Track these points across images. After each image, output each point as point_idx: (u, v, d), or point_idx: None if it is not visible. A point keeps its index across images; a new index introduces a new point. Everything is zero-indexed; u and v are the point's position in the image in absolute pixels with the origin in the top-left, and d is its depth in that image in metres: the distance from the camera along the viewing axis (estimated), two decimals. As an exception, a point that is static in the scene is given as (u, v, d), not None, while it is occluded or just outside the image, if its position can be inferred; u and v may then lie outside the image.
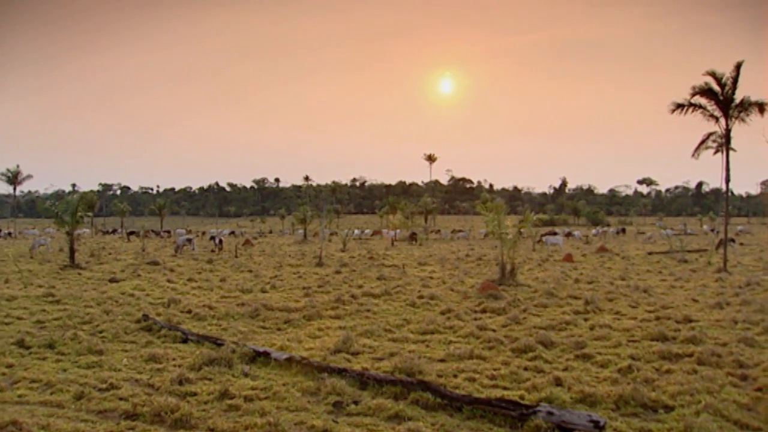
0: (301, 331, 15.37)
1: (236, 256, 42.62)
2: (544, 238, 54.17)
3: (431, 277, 28.40)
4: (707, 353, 12.26)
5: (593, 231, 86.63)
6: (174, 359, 12.20)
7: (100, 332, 14.94)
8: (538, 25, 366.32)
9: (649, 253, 45.12)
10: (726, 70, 32.06)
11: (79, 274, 29.37)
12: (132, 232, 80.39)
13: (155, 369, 11.44)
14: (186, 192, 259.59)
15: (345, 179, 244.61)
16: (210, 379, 10.56)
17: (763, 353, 12.77)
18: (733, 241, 44.15)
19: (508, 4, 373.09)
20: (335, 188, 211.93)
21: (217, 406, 9.19)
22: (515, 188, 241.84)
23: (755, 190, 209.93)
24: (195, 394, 9.75)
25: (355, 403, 9.25)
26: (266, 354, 11.96)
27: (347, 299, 20.47)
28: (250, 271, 31.28)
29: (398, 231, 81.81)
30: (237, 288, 23.92)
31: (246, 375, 10.89)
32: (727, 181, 34.88)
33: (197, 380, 10.47)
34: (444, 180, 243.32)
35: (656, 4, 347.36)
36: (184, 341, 13.90)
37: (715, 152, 35.15)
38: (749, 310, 18.13)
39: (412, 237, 69.96)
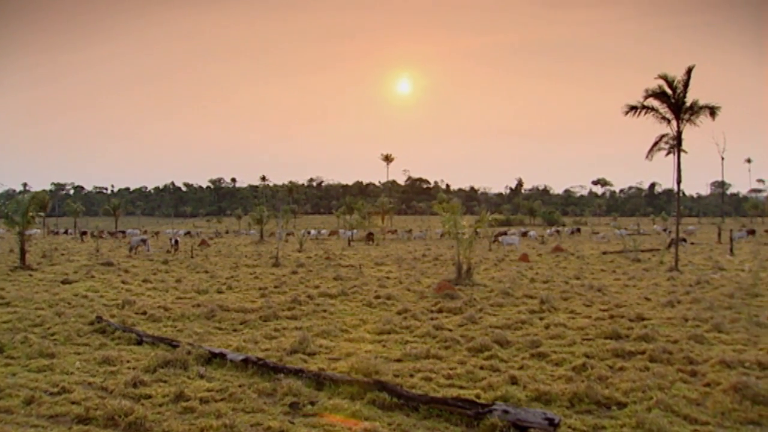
0: (257, 332, 15.28)
1: (192, 257, 42.27)
2: (500, 239, 54.62)
3: (388, 277, 28.45)
4: (659, 350, 12.49)
5: (548, 231, 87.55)
6: (128, 361, 12.04)
7: (52, 335, 14.67)
8: (495, 27, 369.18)
9: (604, 253, 45.73)
10: (678, 74, 32.68)
11: (30, 275, 28.82)
12: (85, 233, 79.18)
13: (109, 372, 11.28)
14: (141, 192, 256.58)
15: (302, 179, 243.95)
16: (165, 381, 10.45)
17: (712, 350, 13.05)
18: (684, 240, 44.98)
19: (466, 6, 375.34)
20: (292, 188, 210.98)
21: (172, 408, 9.09)
22: (472, 188, 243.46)
23: (705, 191, 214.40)
24: (150, 396, 9.64)
25: (312, 403, 9.23)
26: (222, 355, 11.87)
27: (304, 300, 20.40)
28: (206, 272, 31.04)
29: (355, 231, 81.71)
30: (193, 289, 23.70)
31: (202, 377, 10.80)
32: (679, 182, 35.54)
33: (152, 382, 10.35)
34: (401, 180, 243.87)
35: (613, 7, 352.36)
36: (139, 343, 13.72)
37: (667, 154, 35.74)
38: (699, 307, 18.49)
39: (369, 237, 69.85)
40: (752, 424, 8.54)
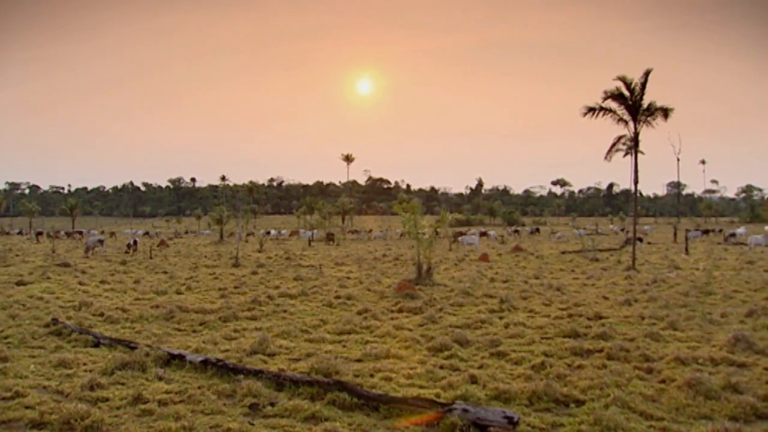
0: (216, 333, 15.18)
1: (151, 257, 41.82)
2: (460, 238, 54.83)
3: (348, 278, 28.44)
4: (616, 348, 12.69)
5: (507, 230, 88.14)
6: (85, 364, 11.87)
7: (6, 338, 14.38)
8: (456, 27, 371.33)
9: (563, 252, 46.20)
10: (637, 76, 33.16)
11: (-16, 277, 28.27)
12: (41, 233, 77.84)
13: (65, 375, 11.11)
14: (99, 191, 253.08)
15: (262, 179, 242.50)
16: (123, 384, 10.33)
17: (668, 347, 13.27)
18: (640, 240, 45.63)
19: (426, 6, 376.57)
20: (252, 188, 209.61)
21: (130, 411, 9.00)
22: (432, 188, 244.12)
23: (662, 192, 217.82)
24: (107, 399, 9.51)
25: (272, 404, 9.20)
26: (181, 357, 11.77)
27: (264, 300, 20.30)
28: (165, 273, 30.74)
29: (315, 231, 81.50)
30: (151, 290, 23.44)
31: (160, 378, 10.70)
32: (636, 182, 36.10)
33: (109, 385, 10.22)
34: (362, 180, 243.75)
35: (575, 7, 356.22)
36: (96, 345, 13.55)
37: (625, 155, 36.35)
38: (655, 306, 18.80)
39: (329, 237, 69.57)
40: (705, 418, 8.72)
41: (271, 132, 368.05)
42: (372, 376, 11.05)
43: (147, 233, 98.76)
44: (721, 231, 73.59)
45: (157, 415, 8.78)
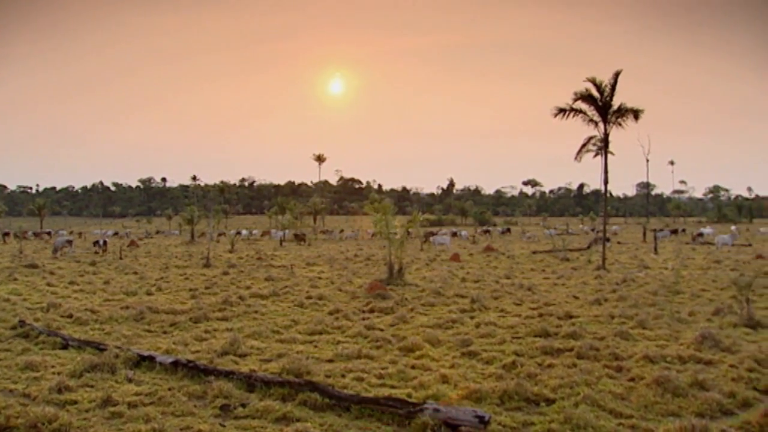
0: (187, 334, 15.10)
1: (121, 258, 41.44)
2: (431, 238, 54.99)
3: (320, 278, 28.41)
4: (586, 347, 12.82)
5: (478, 230, 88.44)
6: (53, 366, 11.74)
7: (-28, 340, 14.22)
8: (428, 28, 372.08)
9: (534, 252, 46.49)
10: (607, 77, 33.44)
11: (-51, 278, 27.84)
12: (7, 233, 76.75)
13: (32, 378, 10.97)
14: (68, 191, 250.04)
15: (233, 179, 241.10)
16: (92, 386, 10.23)
17: (637, 345, 13.44)
18: (608, 240, 46.08)
19: (398, 6, 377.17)
20: (223, 188, 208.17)
21: (99, 413, 8.92)
22: (404, 188, 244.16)
23: (632, 192, 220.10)
24: (75, 402, 9.42)
25: (243, 405, 9.18)
26: (151, 358, 11.70)
27: (235, 301, 20.22)
28: (135, 273, 30.47)
29: (287, 231, 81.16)
30: (121, 291, 23.24)
31: (130, 380, 10.62)
32: (606, 182, 36.46)
33: (78, 388, 10.12)
34: (333, 180, 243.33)
35: (547, 8, 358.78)
36: (64, 347, 13.40)
37: (596, 155, 36.66)
38: (625, 305, 19.02)
39: (299, 237, 68.72)
40: (672, 415, 8.85)
41: (243, 132, 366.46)
42: (343, 376, 11.07)
43: (116, 233, 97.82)
44: (684, 231, 74.46)
45: (126, 417, 8.71)
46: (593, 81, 33.39)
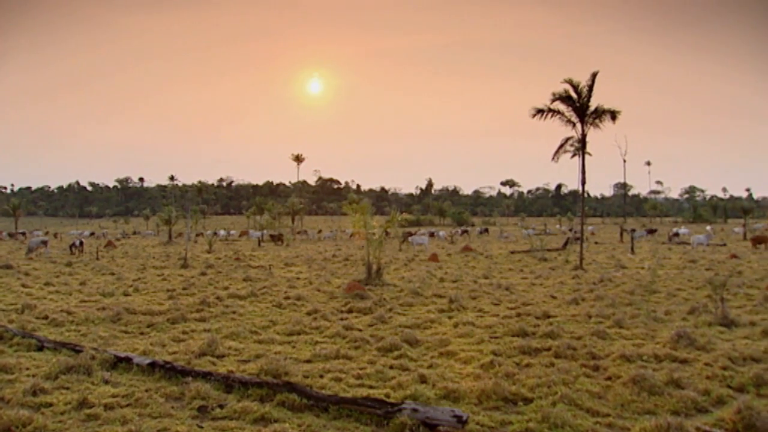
0: (164, 335, 15.00)
1: (97, 259, 41.12)
2: (409, 239, 55.04)
3: (298, 278, 28.35)
4: (564, 347, 12.90)
5: (456, 230, 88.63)
6: (27, 369, 11.60)
7: (-55, 342, 14.04)
8: (407, 29, 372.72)
9: (512, 252, 46.65)
10: (585, 78, 33.64)
11: None
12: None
13: (6, 380, 10.80)
14: (44, 191, 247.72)
15: (211, 179, 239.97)
16: (67, 389, 10.12)
17: (614, 344, 13.54)
18: (582, 239, 46.35)
19: (378, 7, 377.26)
20: (201, 188, 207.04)
21: (74, 416, 8.83)
22: (382, 189, 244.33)
23: (609, 192, 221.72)
24: (50, 405, 9.31)
25: (221, 406, 9.14)
26: (128, 359, 11.61)
27: (212, 301, 20.14)
28: (112, 274, 30.24)
29: (265, 232, 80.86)
30: (98, 291, 23.04)
31: (106, 382, 10.52)
32: (583, 183, 36.63)
33: (53, 390, 10.01)
34: (312, 180, 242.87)
35: (526, 9, 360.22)
36: (40, 349, 13.25)
37: (573, 156, 36.81)
38: (602, 304, 19.14)
39: (275, 238, 67.14)
40: (649, 413, 8.92)
41: (221, 132, 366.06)
42: (322, 376, 11.06)
43: (93, 234, 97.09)
44: (655, 231, 75.11)
45: (102, 419, 8.64)
46: (570, 82, 33.59)
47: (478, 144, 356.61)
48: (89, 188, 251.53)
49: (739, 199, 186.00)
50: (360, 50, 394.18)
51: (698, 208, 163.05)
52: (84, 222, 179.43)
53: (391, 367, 11.75)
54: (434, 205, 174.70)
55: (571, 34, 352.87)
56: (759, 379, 10.49)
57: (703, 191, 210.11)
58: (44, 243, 45.93)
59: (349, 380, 10.82)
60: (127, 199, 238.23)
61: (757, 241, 48.99)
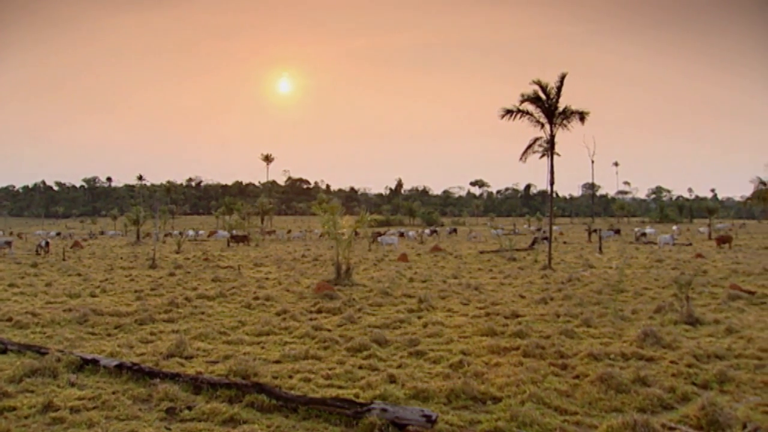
0: (132, 336, 14.85)
1: (64, 259, 40.62)
2: (379, 239, 55.11)
3: (267, 278, 28.25)
4: (532, 346, 12.99)
5: (425, 231, 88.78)
6: (-9, 372, 11.45)
7: None
8: (378, 29, 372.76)
9: (481, 252, 46.87)
10: (553, 80, 33.87)
11: None
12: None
13: (-31, 383, 10.68)
14: (8, 191, 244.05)
15: (180, 179, 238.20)
16: (32, 392, 9.96)
17: (581, 343, 13.67)
18: (547, 239, 46.80)
19: (346, 7, 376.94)
20: (170, 188, 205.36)
21: (39, 420, 8.70)
22: (352, 189, 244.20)
23: (577, 192, 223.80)
24: (14, 408, 9.14)
25: (189, 408, 9.07)
26: (95, 361, 11.48)
27: (181, 302, 19.98)
28: (79, 275, 29.88)
29: (234, 232, 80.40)
30: (64, 293, 22.73)
31: (72, 385, 10.39)
32: (551, 183, 36.90)
33: (17, 393, 9.84)
34: (281, 180, 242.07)
35: (499, 10, 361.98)
36: (3, 352, 13.02)
37: (541, 156, 37.04)
38: (570, 304, 19.32)
39: (238, 239, 64.93)
40: (616, 411, 9.02)
41: (190, 131, 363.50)
42: (291, 377, 11.03)
43: (59, 234, 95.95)
44: (619, 231, 75.99)
45: (68, 422, 8.53)
46: (539, 83, 33.82)
47: (448, 144, 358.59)
48: (56, 188, 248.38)
49: (704, 199, 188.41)
50: (330, 50, 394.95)
51: (665, 208, 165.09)
52: (50, 222, 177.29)
53: (360, 368, 11.76)
54: (404, 205, 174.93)
55: (541, 34, 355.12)
56: (722, 376, 10.69)
57: (669, 191, 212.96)
58: (8, 244, 45.30)
59: (318, 380, 10.81)
60: (95, 199, 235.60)
61: (721, 240, 49.77)
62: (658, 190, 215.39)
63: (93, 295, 22.44)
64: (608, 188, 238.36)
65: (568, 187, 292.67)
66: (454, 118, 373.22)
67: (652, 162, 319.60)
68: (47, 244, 47.54)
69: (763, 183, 68.10)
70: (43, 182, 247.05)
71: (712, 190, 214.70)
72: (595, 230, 66.90)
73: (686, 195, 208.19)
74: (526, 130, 33.30)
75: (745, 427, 8.27)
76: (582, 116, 34.08)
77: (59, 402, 9.30)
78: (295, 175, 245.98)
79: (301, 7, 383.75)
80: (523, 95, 34.31)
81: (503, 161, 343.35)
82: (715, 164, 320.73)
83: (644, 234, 62.96)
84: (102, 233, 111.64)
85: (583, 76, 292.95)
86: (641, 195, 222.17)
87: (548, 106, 33.98)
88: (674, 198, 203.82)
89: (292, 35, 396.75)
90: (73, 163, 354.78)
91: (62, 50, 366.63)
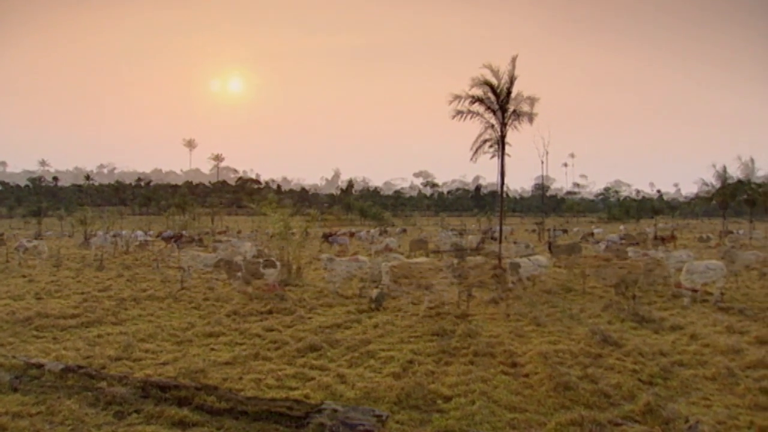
0: (79, 339, 14.61)
1: (7, 261, 39.73)
2: (330, 239, 55.05)
3: (217, 279, 27.98)
4: (482, 346, 13.12)
5: (372, 231, 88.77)
6: (-71, 377, 11.14)
7: None
8: (332, 27, 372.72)
9: (433, 252, 47.04)
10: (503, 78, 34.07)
11: None
12: None
13: None
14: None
15: (90, 165, 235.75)
16: (-28, 397, 9.76)
17: (530, 343, 13.86)
18: (493, 238, 47.28)
19: (292, 6, 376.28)
20: (119, 188, 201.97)
21: (-20, 426, 8.53)
22: (303, 189, 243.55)
23: (530, 187, 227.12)
24: (-47, 415, 8.96)
25: (137, 411, 8.96)
26: (39, 365, 11.26)
27: (129, 303, 19.72)
28: (24, 277, 29.24)
29: (185, 232, 79.39)
30: (7, 295, 22.22)
31: (15, 390, 10.18)
32: (501, 185, 37.15)
33: (-43, 399, 9.63)
34: (231, 180, 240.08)
35: (449, 11, 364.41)
36: (-56, 356, 12.75)
37: (492, 157, 37.24)
38: (520, 303, 19.54)
39: (171, 239, 61.88)
40: (564, 408, 9.16)
41: (144, 131, 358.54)
42: (241, 378, 11.00)
43: (2, 235, 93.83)
44: (566, 231, 77.11)
45: (11, 429, 8.36)
46: (489, 83, 33.96)
47: (389, 135, 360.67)
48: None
49: (650, 200, 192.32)
50: (274, 49, 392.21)
51: (612, 209, 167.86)
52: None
53: (311, 368, 11.79)
54: (355, 205, 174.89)
55: (494, 31, 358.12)
56: (667, 371, 10.96)
57: (629, 185, 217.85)
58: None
59: (268, 381, 10.79)
60: (40, 200, 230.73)
61: (663, 240, 50.71)
62: (607, 190, 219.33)
63: (38, 298, 21.95)
64: (564, 182, 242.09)
65: (522, 179, 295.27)
66: (396, 109, 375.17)
67: (614, 155, 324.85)
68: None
69: (706, 184, 69.93)
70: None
71: (676, 185, 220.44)
72: (553, 229, 67.78)
73: (647, 190, 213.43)
74: (475, 124, 33.05)
75: (687, 421, 8.46)
76: (531, 118, 34.25)
77: (1, 408, 9.11)
78: (246, 175, 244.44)
79: (243, 5, 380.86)
80: (473, 97, 34.32)
81: (448, 152, 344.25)
82: (678, 157, 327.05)
83: (592, 234, 63.92)
84: (48, 232, 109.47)
85: (541, 68, 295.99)
86: (599, 188, 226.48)
87: (499, 107, 34.05)
88: (622, 198, 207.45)
89: (246, 33, 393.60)
90: (20, 162, 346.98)
91: (10, 47, 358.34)
